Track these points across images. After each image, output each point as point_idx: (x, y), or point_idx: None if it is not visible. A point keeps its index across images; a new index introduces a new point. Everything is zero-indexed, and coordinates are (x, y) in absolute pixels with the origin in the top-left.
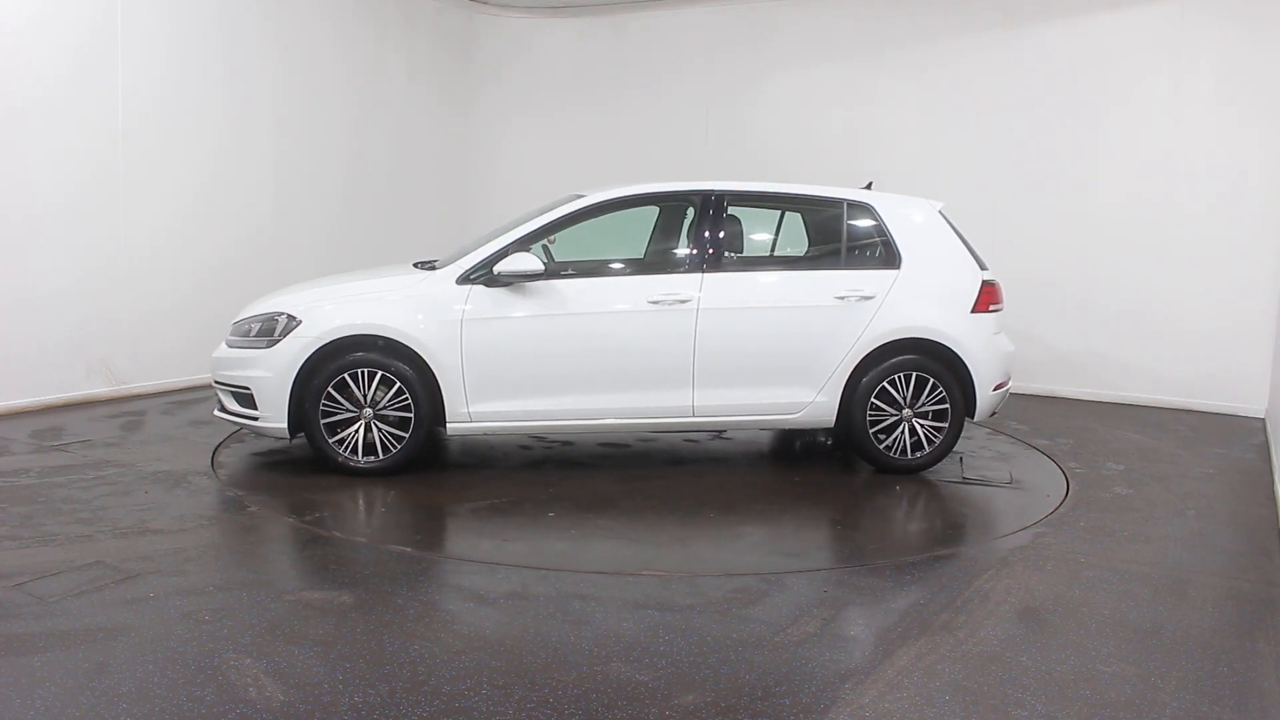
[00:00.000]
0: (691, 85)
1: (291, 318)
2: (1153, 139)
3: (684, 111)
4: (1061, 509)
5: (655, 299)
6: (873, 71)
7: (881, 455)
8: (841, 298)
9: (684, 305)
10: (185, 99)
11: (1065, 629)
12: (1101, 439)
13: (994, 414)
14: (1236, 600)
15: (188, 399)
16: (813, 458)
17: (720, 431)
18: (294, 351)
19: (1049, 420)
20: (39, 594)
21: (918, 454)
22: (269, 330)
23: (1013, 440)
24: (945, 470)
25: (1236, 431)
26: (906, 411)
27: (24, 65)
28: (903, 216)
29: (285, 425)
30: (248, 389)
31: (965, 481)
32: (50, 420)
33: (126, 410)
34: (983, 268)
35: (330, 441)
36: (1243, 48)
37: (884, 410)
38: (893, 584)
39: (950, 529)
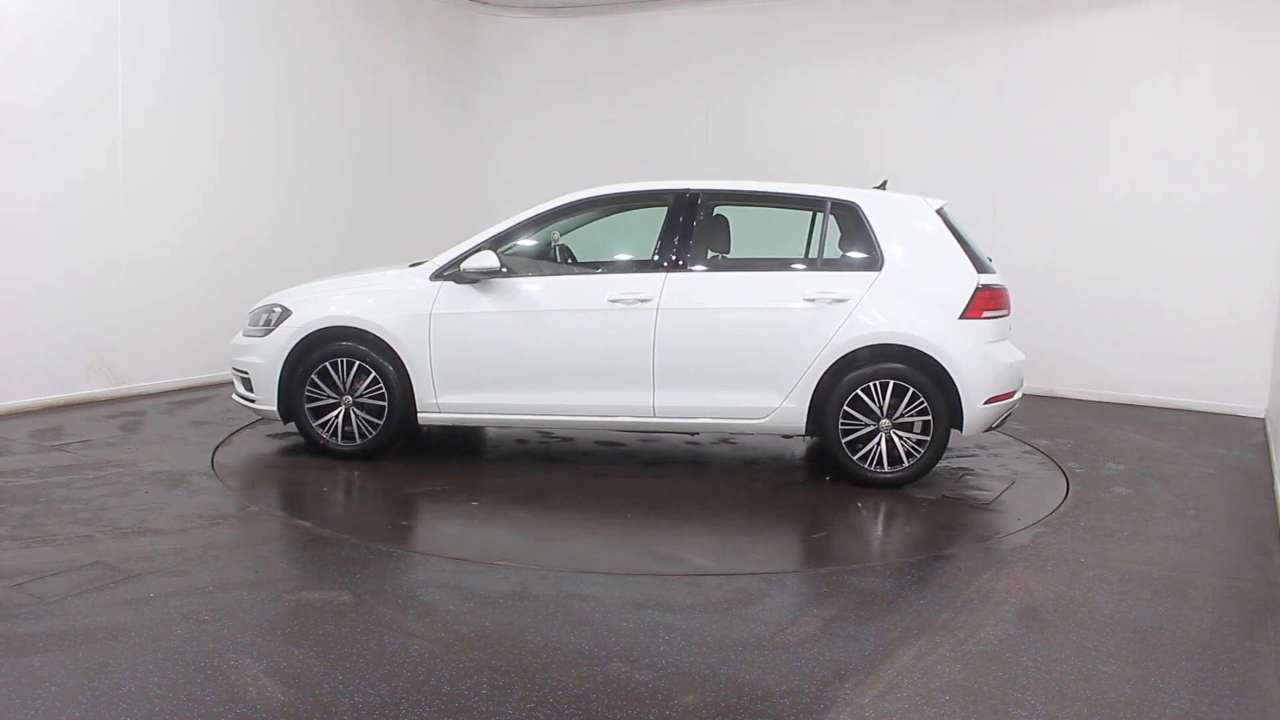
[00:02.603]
0: (691, 85)
1: (284, 309)
2: (1153, 138)
3: (684, 111)
4: (1061, 509)
5: (615, 298)
6: (873, 71)
7: (855, 467)
8: (811, 300)
9: (644, 305)
10: (186, 99)
11: (1065, 629)
12: (1101, 439)
13: (992, 429)
14: (1236, 600)
15: (188, 399)
16: (808, 468)
17: (695, 434)
18: (282, 340)
19: (1049, 420)
20: (39, 594)
21: (895, 468)
22: (267, 320)
23: (1043, 462)
24: (929, 484)
25: (1236, 431)
26: (884, 422)
27: (23, 65)
28: (891, 217)
29: (276, 408)
30: (247, 374)
31: (943, 499)
32: (50, 420)
33: (126, 410)
34: (981, 271)
35: (315, 425)
36: (1243, 48)
37: (860, 420)
38: (892, 584)
39: (870, 552)
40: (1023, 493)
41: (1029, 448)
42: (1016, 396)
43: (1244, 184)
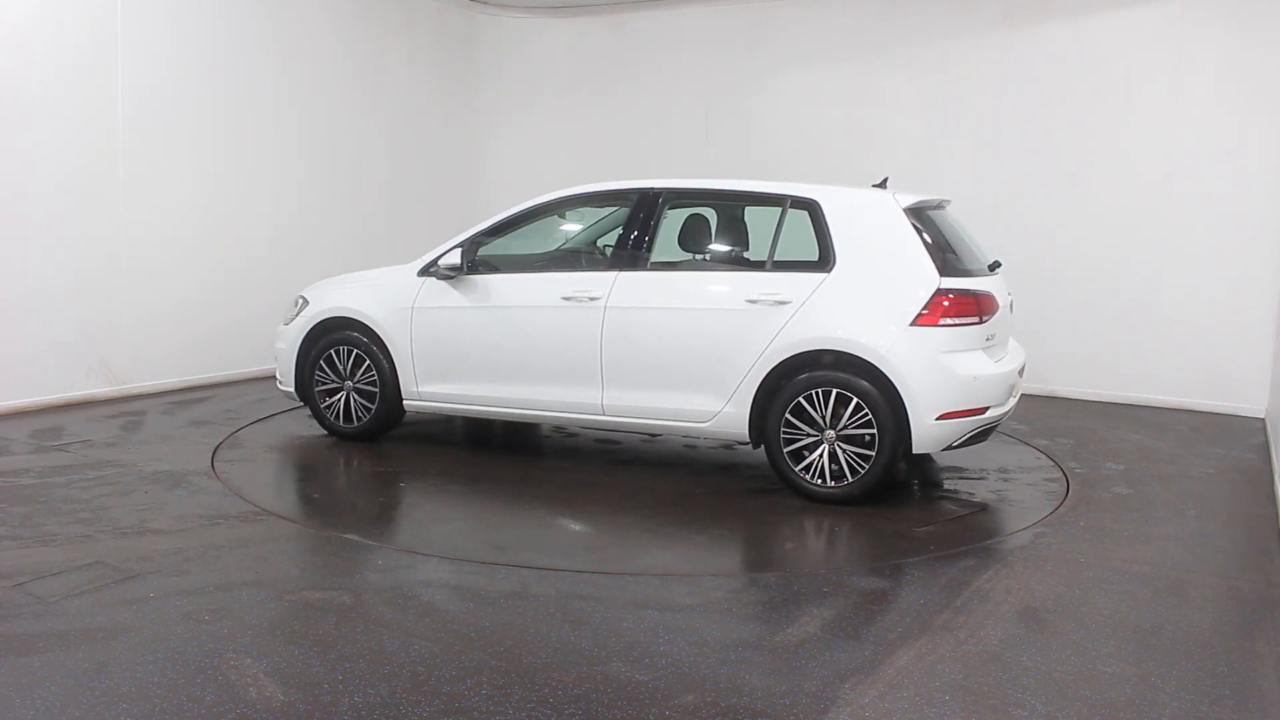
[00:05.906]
0: (691, 84)
1: (305, 300)
2: (1153, 138)
3: (684, 110)
4: (1061, 509)
5: (568, 295)
6: (873, 71)
7: (797, 479)
8: (753, 301)
9: (593, 303)
10: (186, 98)
11: (1065, 629)
12: (1101, 439)
13: (953, 447)
14: (1236, 600)
15: (188, 399)
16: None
17: (655, 435)
18: (298, 328)
19: (1049, 420)
20: (39, 594)
21: (839, 483)
22: (293, 310)
23: (1041, 460)
24: (888, 499)
25: (1236, 431)
26: (829, 433)
27: (24, 64)
28: (850, 215)
29: (294, 390)
30: (276, 358)
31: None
32: (50, 420)
33: (126, 410)
34: (947, 274)
35: (322, 407)
36: (1243, 48)
37: (804, 430)
38: (892, 584)
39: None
40: (1022, 493)
41: (1026, 445)
42: (989, 414)
43: (1244, 183)
